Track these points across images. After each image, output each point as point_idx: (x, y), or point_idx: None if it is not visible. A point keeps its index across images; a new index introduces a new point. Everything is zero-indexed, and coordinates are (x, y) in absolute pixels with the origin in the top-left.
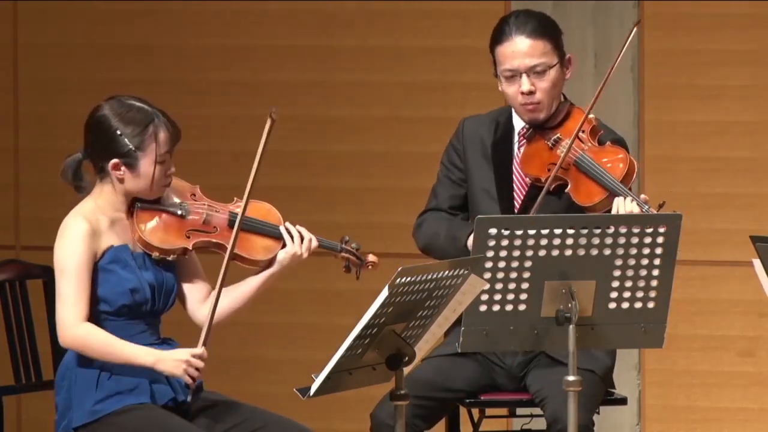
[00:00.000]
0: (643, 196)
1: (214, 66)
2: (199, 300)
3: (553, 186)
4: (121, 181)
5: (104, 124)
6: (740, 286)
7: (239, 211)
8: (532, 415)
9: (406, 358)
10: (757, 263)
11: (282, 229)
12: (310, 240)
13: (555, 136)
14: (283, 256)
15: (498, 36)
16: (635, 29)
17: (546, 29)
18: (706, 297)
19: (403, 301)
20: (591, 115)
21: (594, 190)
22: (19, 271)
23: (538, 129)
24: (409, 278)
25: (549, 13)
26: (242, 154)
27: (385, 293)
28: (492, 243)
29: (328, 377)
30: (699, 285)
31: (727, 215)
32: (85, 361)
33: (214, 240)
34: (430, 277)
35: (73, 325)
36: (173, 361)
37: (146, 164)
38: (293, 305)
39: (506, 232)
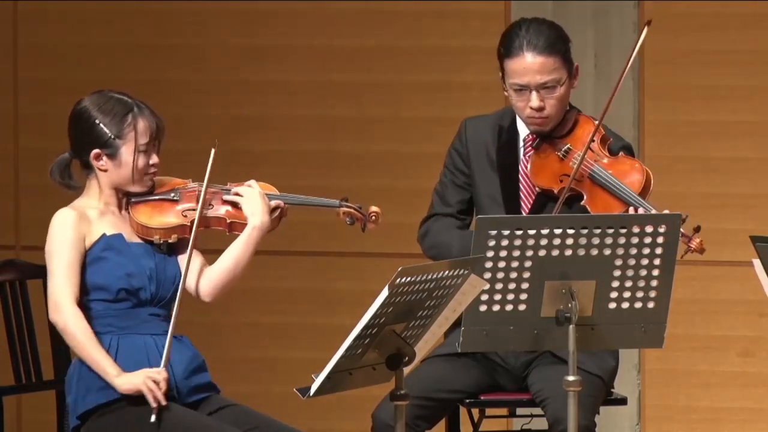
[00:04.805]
0: (666, 211)
1: (214, 66)
2: (194, 275)
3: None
4: (105, 171)
5: (84, 115)
6: (740, 286)
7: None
8: (532, 415)
9: (406, 358)
10: (757, 263)
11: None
12: (259, 192)
13: (565, 147)
14: (245, 210)
15: (508, 48)
16: (646, 28)
17: (556, 44)
18: (706, 297)
19: (403, 301)
20: (596, 122)
21: (612, 203)
22: (19, 271)
23: (546, 138)
24: (409, 278)
25: (549, 14)
26: (242, 153)
27: (385, 293)
28: (492, 243)
29: (328, 377)
30: (699, 285)
31: (727, 215)
32: None
33: (210, 215)
34: (430, 277)
35: (64, 302)
36: (134, 373)
37: (126, 153)
38: (293, 305)
39: (506, 232)
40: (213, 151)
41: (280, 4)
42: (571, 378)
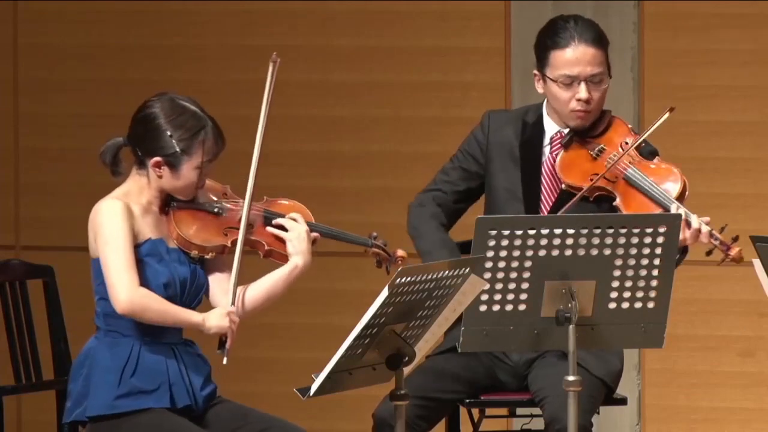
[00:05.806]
0: (706, 218)
1: (214, 66)
2: (223, 291)
3: (594, 195)
4: (159, 178)
5: (154, 122)
6: (740, 286)
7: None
8: (532, 415)
9: (406, 358)
10: (757, 263)
11: (283, 221)
12: (306, 231)
13: (598, 147)
14: (290, 248)
15: (557, 40)
16: (668, 113)
17: (603, 39)
18: (706, 297)
19: (403, 301)
20: (629, 126)
21: (648, 206)
22: (19, 271)
23: (578, 136)
24: (409, 278)
25: (549, 14)
26: (242, 153)
27: (385, 293)
28: (492, 243)
29: (328, 377)
30: (699, 285)
31: (727, 215)
32: (108, 354)
33: (251, 237)
34: (430, 277)
35: (132, 288)
36: (217, 314)
37: (188, 168)
38: (293, 305)
39: (506, 232)
40: (271, 65)
41: (280, 4)
42: (571, 378)
